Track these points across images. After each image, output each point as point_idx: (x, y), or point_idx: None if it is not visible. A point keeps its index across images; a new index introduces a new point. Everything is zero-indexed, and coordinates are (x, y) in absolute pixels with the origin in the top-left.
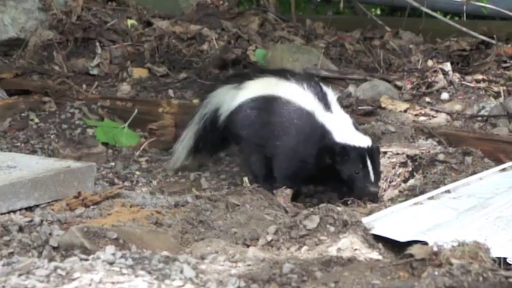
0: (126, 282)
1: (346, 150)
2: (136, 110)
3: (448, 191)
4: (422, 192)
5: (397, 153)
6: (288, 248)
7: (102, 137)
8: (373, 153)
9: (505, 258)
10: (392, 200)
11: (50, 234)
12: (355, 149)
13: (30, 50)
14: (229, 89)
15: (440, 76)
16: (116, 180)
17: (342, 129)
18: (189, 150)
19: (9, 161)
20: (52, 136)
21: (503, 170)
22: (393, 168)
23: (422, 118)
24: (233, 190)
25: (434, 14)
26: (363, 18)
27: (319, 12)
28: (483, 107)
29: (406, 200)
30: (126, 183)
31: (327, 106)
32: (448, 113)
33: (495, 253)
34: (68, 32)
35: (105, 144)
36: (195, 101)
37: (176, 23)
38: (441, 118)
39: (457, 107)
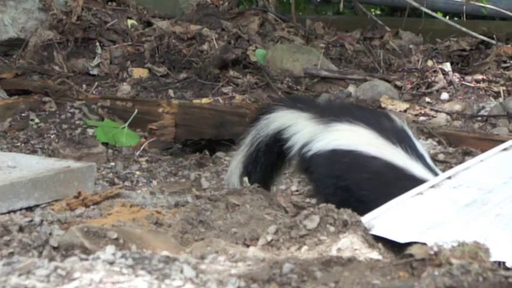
0: (126, 282)
1: None
2: (136, 110)
3: (449, 178)
4: None
5: None
6: (288, 248)
7: (102, 137)
8: None
9: (504, 262)
10: None
11: (50, 234)
12: None
13: (30, 50)
14: (307, 120)
15: (440, 76)
16: (116, 180)
17: None
18: (241, 175)
19: (10, 161)
20: (52, 136)
21: (505, 149)
22: None
23: (422, 118)
24: (233, 190)
25: (434, 14)
26: (363, 18)
27: (319, 12)
28: (483, 107)
29: None
30: (126, 183)
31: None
32: (448, 113)
33: (494, 256)
34: (68, 32)
35: (105, 144)
36: (196, 101)
37: (176, 23)
38: (441, 118)
39: (457, 107)
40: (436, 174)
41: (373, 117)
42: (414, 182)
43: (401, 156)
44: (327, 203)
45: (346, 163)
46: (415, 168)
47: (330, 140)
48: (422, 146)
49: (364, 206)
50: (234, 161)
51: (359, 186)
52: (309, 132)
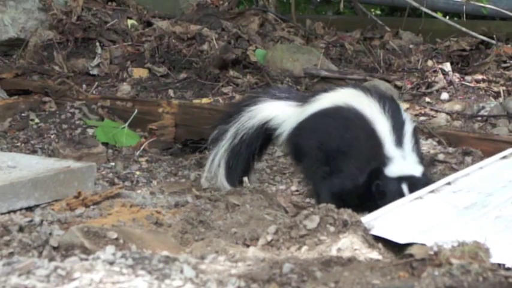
0: (126, 282)
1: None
2: (136, 110)
3: (448, 183)
4: None
5: None
6: (288, 248)
7: (102, 137)
8: None
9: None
10: None
11: (50, 234)
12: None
13: (30, 50)
14: (293, 107)
15: (440, 76)
16: (116, 180)
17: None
18: (227, 173)
19: (10, 161)
20: (52, 136)
21: (504, 157)
22: None
23: (422, 118)
24: (233, 190)
25: (434, 14)
26: (363, 18)
27: (319, 12)
28: (483, 107)
29: None
30: (126, 183)
31: (400, 141)
32: (448, 113)
33: (494, 258)
34: (68, 32)
35: (105, 144)
36: (196, 101)
37: (176, 23)
38: (441, 118)
39: (457, 107)
40: (401, 146)
41: (360, 86)
42: (370, 135)
43: (374, 110)
44: (312, 177)
45: (322, 117)
46: (380, 125)
47: (313, 107)
48: (422, 145)
49: (335, 158)
50: (216, 158)
51: (329, 135)
52: (296, 116)
